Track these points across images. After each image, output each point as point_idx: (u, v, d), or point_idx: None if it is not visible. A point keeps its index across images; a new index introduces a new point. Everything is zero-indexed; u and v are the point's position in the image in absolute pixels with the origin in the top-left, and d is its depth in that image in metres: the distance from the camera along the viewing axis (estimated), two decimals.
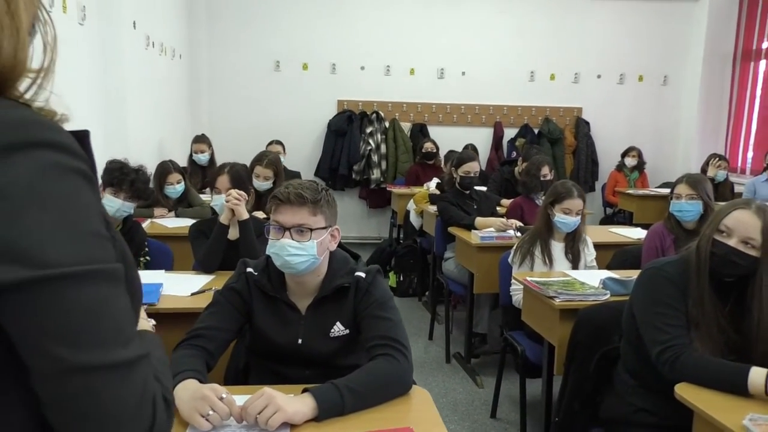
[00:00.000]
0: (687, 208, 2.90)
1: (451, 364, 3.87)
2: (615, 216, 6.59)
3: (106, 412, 0.61)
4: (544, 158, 4.38)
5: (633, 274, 2.60)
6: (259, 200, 3.79)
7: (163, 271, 2.58)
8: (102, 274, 0.61)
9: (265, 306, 1.70)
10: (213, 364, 1.63)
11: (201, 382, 1.41)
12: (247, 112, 6.66)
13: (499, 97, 6.97)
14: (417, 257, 5.18)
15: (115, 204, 2.70)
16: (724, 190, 5.46)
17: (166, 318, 2.14)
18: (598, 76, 7.06)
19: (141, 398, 0.63)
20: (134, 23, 4.04)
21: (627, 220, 6.14)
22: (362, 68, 6.76)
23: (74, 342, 0.59)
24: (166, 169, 3.82)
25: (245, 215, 2.56)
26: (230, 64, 6.58)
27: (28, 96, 0.65)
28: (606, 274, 2.65)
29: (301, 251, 1.60)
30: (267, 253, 1.66)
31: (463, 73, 6.88)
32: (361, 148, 6.67)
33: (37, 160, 0.59)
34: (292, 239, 1.60)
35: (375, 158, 6.68)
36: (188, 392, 1.35)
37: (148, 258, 2.86)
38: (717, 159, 5.53)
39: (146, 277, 2.44)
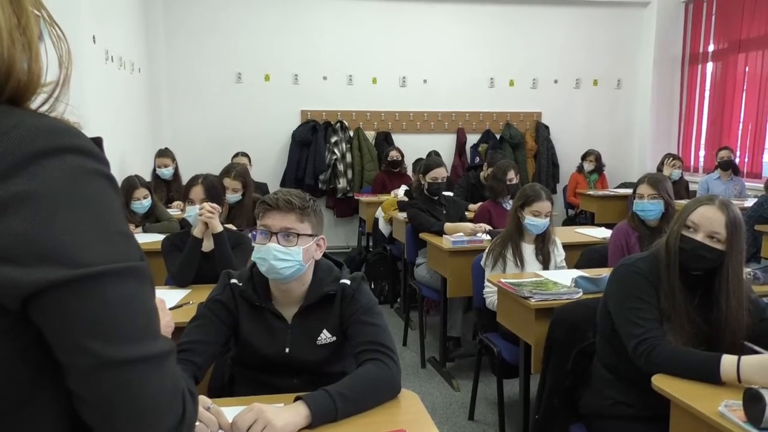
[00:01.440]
0: (649, 207, 3.01)
1: (426, 369, 3.90)
2: (577, 217, 6.75)
3: (141, 404, 0.62)
4: (510, 162, 4.48)
5: (602, 272, 2.70)
6: (228, 212, 3.77)
7: None
8: (133, 272, 0.64)
9: (251, 316, 1.70)
10: (201, 378, 1.63)
11: None
12: (210, 125, 6.59)
13: (461, 104, 7.08)
14: (387, 264, 5.21)
15: None
16: (679, 189, 5.64)
17: None
18: (555, 81, 7.24)
19: (173, 391, 0.65)
20: (93, 38, 3.97)
21: (588, 220, 6.30)
22: (325, 78, 6.77)
23: (110, 337, 0.61)
24: (131, 184, 3.76)
25: (219, 228, 2.55)
26: (191, 76, 6.51)
27: (45, 108, 0.68)
28: (577, 273, 2.73)
29: (287, 257, 1.61)
30: (252, 259, 1.66)
31: (425, 81, 6.97)
32: (327, 158, 6.67)
33: (68, 165, 0.61)
34: (279, 244, 1.61)
35: (341, 167, 6.69)
36: None
37: None
38: (671, 158, 5.74)
39: None
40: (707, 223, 1.80)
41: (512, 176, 4.30)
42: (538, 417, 2.31)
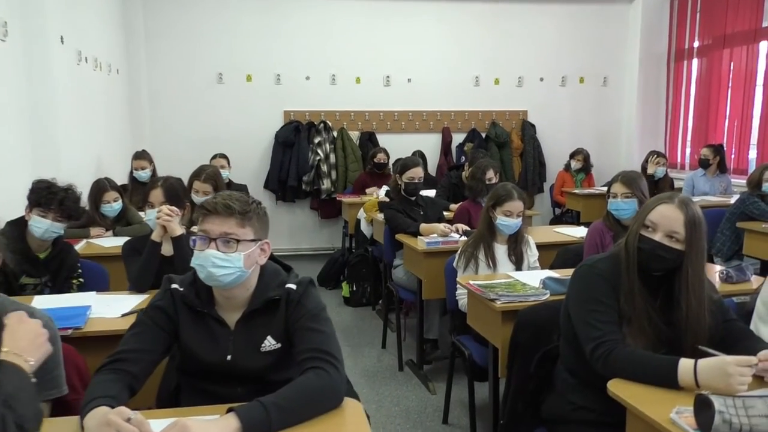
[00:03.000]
0: (623, 206, 2.95)
1: (404, 371, 3.84)
2: (563, 216, 6.70)
3: None
4: (489, 162, 4.42)
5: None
6: None
7: (93, 292, 2.48)
8: None
9: (192, 323, 1.64)
10: (138, 387, 1.56)
11: (112, 406, 1.34)
12: (191, 126, 6.52)
13: (446, 103, 7.03)
14: (369, 266, 5.15)
15: (43, 225, 2.58)
16: (664, 186, 5.61)
17: (94, 341, 2.06)
18: (541, 79, 7.19)
19: None
20: (62, 38, 3.90)
21: (575, 219, 6.26)
22: (307, 78, 6.71)
23: None
24: (101, 187, 3.69)
25: (178, 231, 2.48)
26: (171, 77, 6.44)
27: None
28: (546, 274, 2.67)
29: (226, 263, 1.55)
30: (192, 264, 1.60)
31: (409, 80, 6.91)
32: (310, 159, 6.61)
33: None
34: (218, 250, 1.55)
35: (324, 168, 6.63)
36: (94, 421, 1.29)
37: (81, 280, 2.75)
38: (656, 156, 5.69)
39: (74, 300, 2.37)
40: (665, 222, 1.74)
41: (491, 175, 4.25)
42: (502, 422, 2.26)
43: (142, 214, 4.56)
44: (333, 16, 6.69)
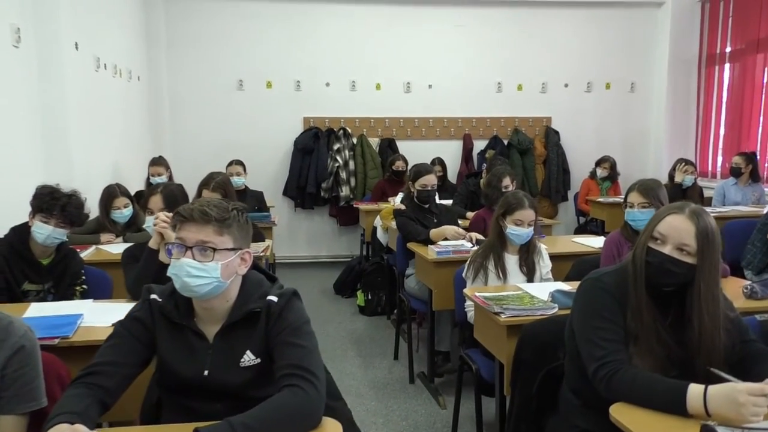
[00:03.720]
0: (640, 216, 2.81)
1: (415, 384, 3.73)
2: (588, 225, 6.52)
3: None
4: (506, 169, 4.30)
5: None
6: None
7: (90, 300, 2.44)
8: None
9: (170, 335, 1.57)
10: (111, 402, 1.50)
11: (73, 423, 1.28)
12: (211, 133, 6.54)
13: (467, 109, 6.92)
14: (385, 275, 5.06)
15: (45, 231, 2.56)
16: (692, 195, 5.39)
17: (81, 351, 2.01)
18: (566, 85, 7.03)
19: None
20: (76, 44, 3.92)
21: (600, 228, 6.08)
22: (327, 84, 6.68)
23: None
24: (111, 193, 3.68)
25: (173, 238, 2.43)
26: (192, 84, 6.47)
27: None
28: (558, 286, 2.55)
29: (202, 273, 1.48)
30: (168, 274, 1.53)
31: (430, 86, 6.82)
32: (329, 166, 6.56)
33: None
34: (194, 259, 1.48)
35: (343, 175, 6.57)
36: None
37: (84, 287, 2.72)
38: (683, 164, 5.48)
39: (69, 307, 2.33)
40: (675, 233, 1.61)
41: (508, 183, 4.13)
42: None
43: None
44: (353, 23, 6.65)
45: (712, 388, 1.41)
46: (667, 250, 1.62)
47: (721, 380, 1.44)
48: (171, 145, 6.43)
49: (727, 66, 6.54)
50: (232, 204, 1.57)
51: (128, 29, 5.58)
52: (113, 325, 2.13)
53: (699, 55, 6.84)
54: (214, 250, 1.49)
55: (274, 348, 1.52)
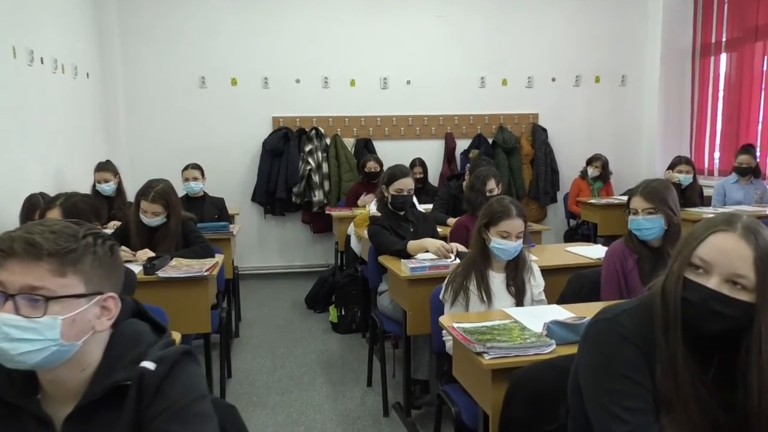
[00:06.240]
0: (645, 225, 2.37)
1: (389, 417, 3.26)
2: (579, 228, 6.11)
3: None
4: (490, 170, 3.86)
5: (589, 311, 2.06)
6: (151, 236, 3.20)
7: None
8: None
9: (4, 421, 1.09)
10: None
11: None
12: (172, 134, 6.03)
13: (449, 106, 6.47)
14: (359, 288, 4.58)
15: None
16: (692, 195, 4.99)
17: None
18: (553, 80, 6.61)
19: None
20: None
21: (592, 231, 5.67)
22: (298, 81, 6.20)
23: None
24: (33, 203, 3.18)
25: None
26: (150, 81, 5.96)
27: None
28: (554, 312, 2.09)
29: (29, 334, 1.00)
30: None
31: (408, 82, 6.37)
32: (301, 169, 6.08)
33: None
34: (17, 314, 1.00)
35: (316, 179, 6.09)
36: None
37: None
38: (681, 162, 5.06)
39: None
40: (724, 260, 1.16)
41: (492, 186, 3.69)
42: None
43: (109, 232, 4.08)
44: (324, 14, 6.17)
45: None
46: (713, 283, 1.16)
47: None
48: (127, 148, 5.91)
49: (723, 56, 6.15)
50: (85, 228, 1.08)
51: (72, 20, 5.05)
52: None
53: (693, 44, 6.45)
54: (47, 299, 1.01)
55: None
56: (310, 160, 6.09)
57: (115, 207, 4.52)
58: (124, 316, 1.15)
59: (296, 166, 6.06)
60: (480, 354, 1.78)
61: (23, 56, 3.94)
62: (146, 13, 5.89)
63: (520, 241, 2.38)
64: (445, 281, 2.47)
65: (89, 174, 4.81)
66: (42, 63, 4.25)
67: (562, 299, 2.61)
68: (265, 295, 5.68)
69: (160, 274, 2.83)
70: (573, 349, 1.64)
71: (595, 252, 3.26)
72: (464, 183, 4.58)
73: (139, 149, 5.94)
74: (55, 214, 2.06)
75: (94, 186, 4.55)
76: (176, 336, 2.05)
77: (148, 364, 1.06)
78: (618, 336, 1.24)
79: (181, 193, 4.70)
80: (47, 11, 4.44)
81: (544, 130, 6.59)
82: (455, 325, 2.02)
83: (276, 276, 6.27)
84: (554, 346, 1.81)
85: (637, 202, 2.43)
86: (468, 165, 6.16)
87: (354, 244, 4.66)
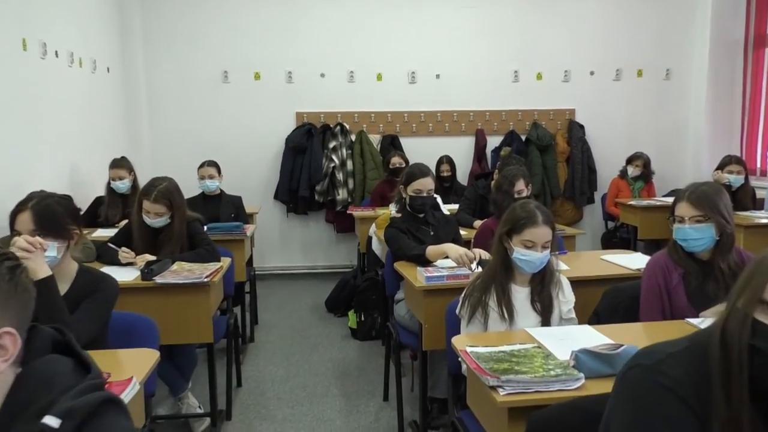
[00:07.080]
0: (693, 235, 2.07)
1: None
2: (617, 231, 5.75)
3: None
4: (519, 170, 3.57)
5: (627, 335, 1.78)
6: (155, 238, 3.02)
7: None
8: None
9: None
10: None
11: None
12: (194, 130, 5.89)
13: (480, 102, 6.16)
14: (380, 293, 4.33)
15: None
16: (743, 198, 4.61)
17: None
18: (591, 73, 6.23)
19: None
20: None
21: (632, 235, 5.33)
22: (322, 75, 5.98)
23: None
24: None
25: (42, 273, 1.75)
26: (172, 76, 5.83)
27: None
28: (585, 334, 1.81)
29: None
30: None
31: (438, 77, 6.08)
32: (324, 166, 5.87)
33: None
34: None
35: (340, 176, 5.88)
36: None
37: None
38: (731, 162, 4.67)
39: None
40: None
41: (521, 187, 3.41)
42: None
43: (101, 231, 3.95)
44: (350, 6, 5.94)
45: None
46: None
47: None
48: (149, 144, 5.80)
49: None
50: None
51: (91, 13, 4.94)
52: None
53: (745, 35, 5.98)
54: None
55: None
56: (334, 157, 5.88)
57: (130, 205, 4.37)
58: (39, 352, 0.93)
59: (320, 164, 5.85)
60: (494, 388, 1.52)
61: (35, 49, 3.82)
62: (169, 6, 5.76)
63: (547, 251, 2.10)
64: (462, 294, 2.21)
65: (106, 171, 4.69)
66: (57, 56, 4.14)
67: (596, 317, 2.33)
68: (286, 296, 5.50)
69: (158, 279, 2.64)
70: (605, 386, 1.37)
71: (634, 261, 2.95)
72: (492, 182, 4.29)
73: (161, 145, 5.83)
74: (25, 218, 1.88)
75: (108, 183, 4.43)
76: (143, 365, 1.83)
77: (51, 420, 0.84)
78: (660, 388, 0.97)
79: (197, 191, 4.59)
80: (64, 4, 4.33)
81: (581, 126, 6.23)
82: (468, 349, 1.76)
83: (299, 276, 6.08)
84: (583, 381, 1.53)
85: (684, 209, 2.12)
86: (498, 163, 5.88)
87: (375, 246, 4.42)
